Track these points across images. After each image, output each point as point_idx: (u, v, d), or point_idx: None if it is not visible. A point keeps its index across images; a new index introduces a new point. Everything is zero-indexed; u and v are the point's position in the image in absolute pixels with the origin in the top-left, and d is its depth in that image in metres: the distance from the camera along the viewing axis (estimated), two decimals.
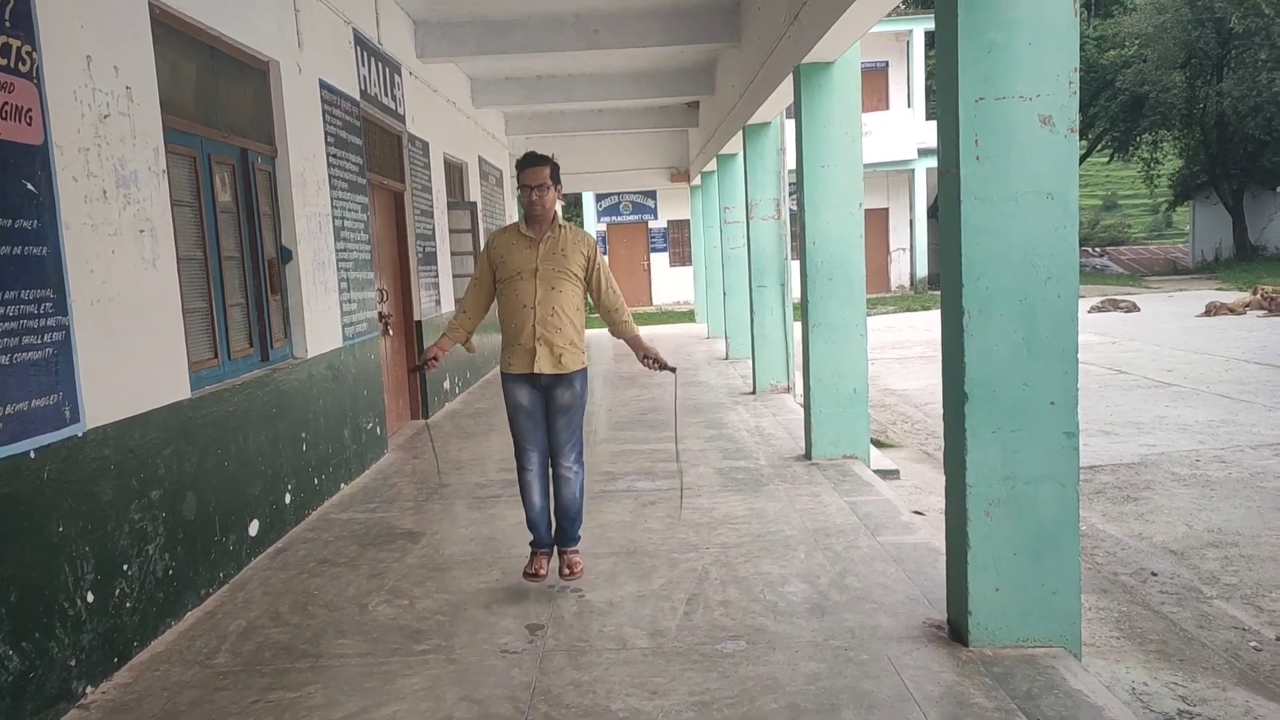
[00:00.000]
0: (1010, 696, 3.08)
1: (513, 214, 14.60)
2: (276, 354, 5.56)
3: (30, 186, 3.23)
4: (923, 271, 25.24)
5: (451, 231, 10.44)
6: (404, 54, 8.56)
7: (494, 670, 3.46)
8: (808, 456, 6.51)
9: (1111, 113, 29.28)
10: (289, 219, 5.73)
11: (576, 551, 4.32)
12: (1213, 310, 16.80)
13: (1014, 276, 3.33)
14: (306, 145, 5.99)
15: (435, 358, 4.17)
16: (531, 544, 4.31)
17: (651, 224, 26.26)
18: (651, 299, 26.26)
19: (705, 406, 9.00)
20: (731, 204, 11.78)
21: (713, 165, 13.06)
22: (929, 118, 24.14)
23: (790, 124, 7.76)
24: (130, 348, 3.81)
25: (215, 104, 4.99)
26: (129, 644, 3.69)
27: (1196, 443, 7.57)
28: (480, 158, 12.37)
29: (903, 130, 24.01)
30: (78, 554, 3.39)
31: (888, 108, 24.56)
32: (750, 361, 9.78)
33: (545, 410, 4.20)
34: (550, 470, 4.27)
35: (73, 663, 3.34)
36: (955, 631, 3.55)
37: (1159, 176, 31.40)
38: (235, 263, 5.18)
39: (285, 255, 5.74)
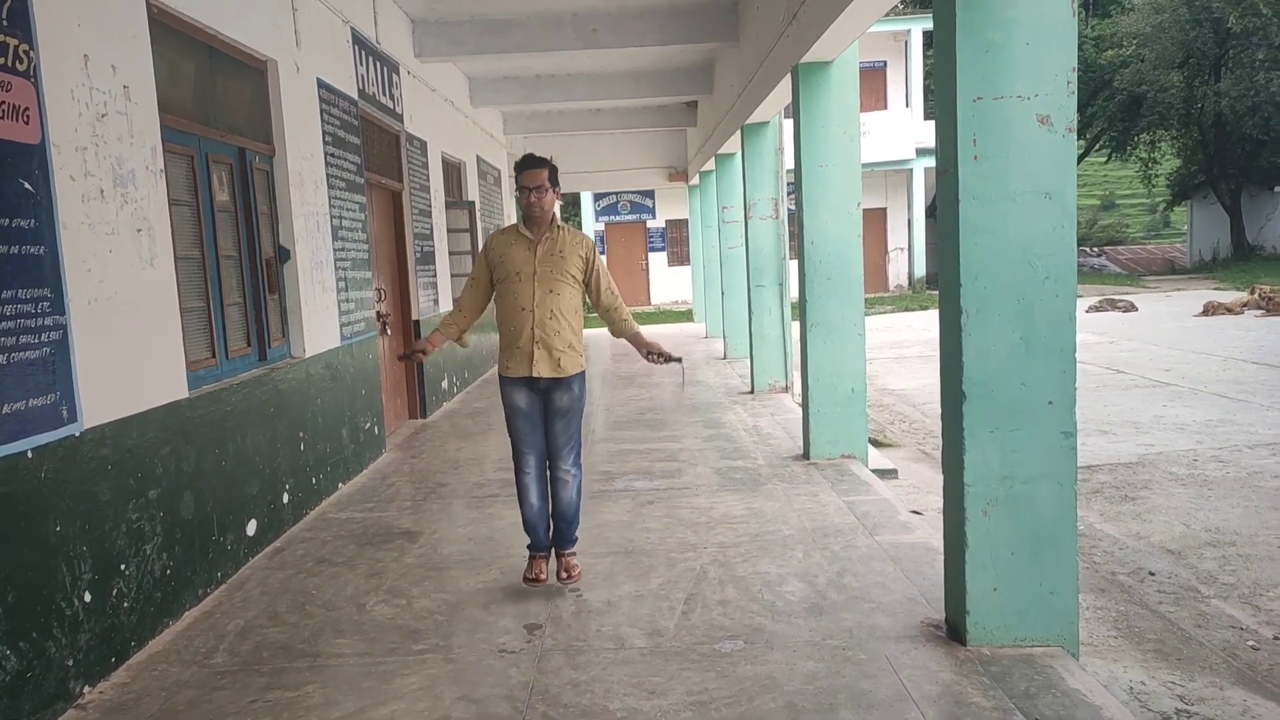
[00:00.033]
0: (1008, 696, 3.09)
1: (511, 213, 14.60)
2: (274, 353, 5.55)
3: (27, 186, 3.22)
4: (921, 271, 25.24)
5: (449, 231, 10.43)
6: (402, 53, 8.56)
7: (492, 670, 3.46)
8: (806, 456, 6.51)
9: (1109, 112, 29.31)
10: (287, 218, 5.72)
11: (574, 554, 4.32)
12: (1210, 310, 16.82)
13: (1012, 276, 3.33)
14: (304, 144, 5.99)
15: (425, 350, 4.24)
16: (529, 547, 4.31)
17: (650, 223, 26.25)
18: (650, 298, 26.25)
19: (703, 406, 9.00)
20: (730, 203, 11.78)
21: (711, 165, 13.06)
22: (927, 117, 24.15)
23: (788, 123, 7.77)
24: (128, 347, 3.81)
25: (213, 103, 4.99)
26: (126, 644, 3.69)
27: (1194, 442, 7.58)
28: (478, 157, 12.37)
29: (901, 130, 24.02)
30: (75, 554, 3.39)
31: (886, 107, 24.56)
32: (748, 361, 9.78)
33: (543, 414, 4.20)
34: (548, 473, 4.28)
35: (70, 663, 3.33)
36: (953, 631, 3.55)
37: (1157, 176, 31.43)
38: (233, 262, 5.17)
39: (283, 254, 5.74)
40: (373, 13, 7.64)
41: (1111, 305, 18.54)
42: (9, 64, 3.15)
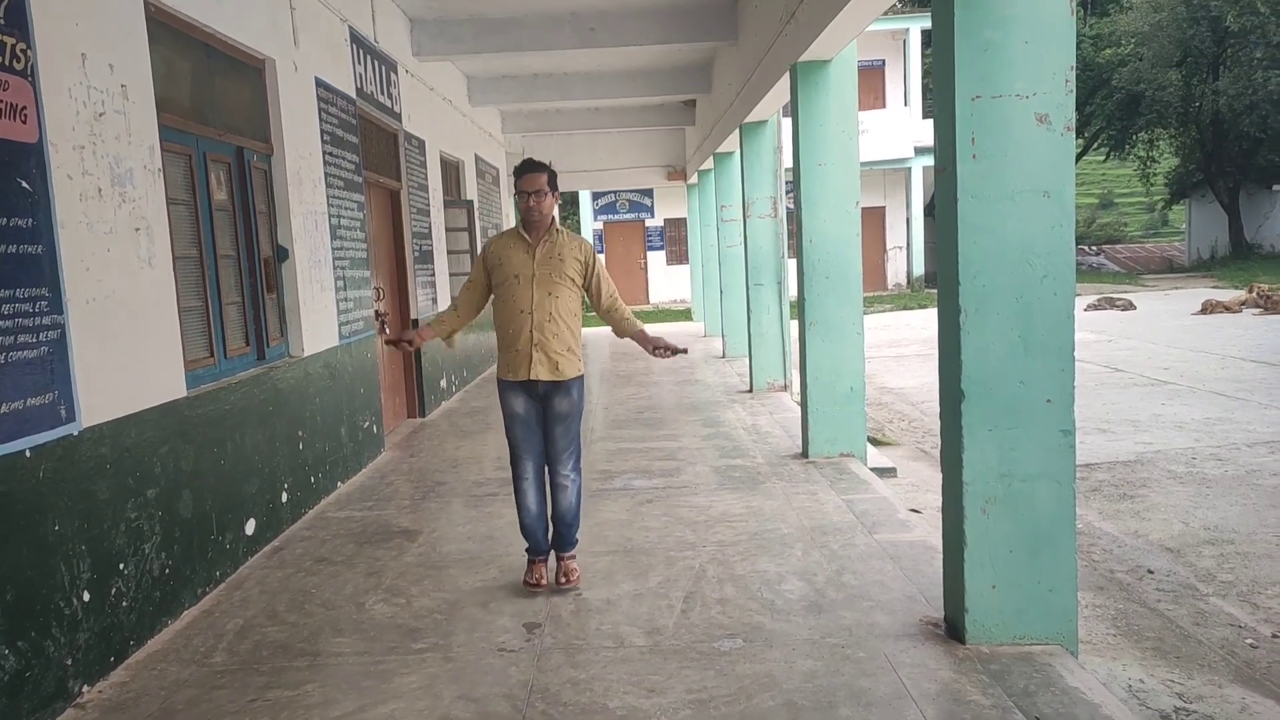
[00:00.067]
0: (1007, 694, 3.09)
1: (509, 213, 14.60)
2: (273, 352, 5.55)
3: (25, 185, 3.22)
4: (919, 270, 25.25)
5: (448, 230, 10.43)
6: (400, 52, 8.55)
7: (491, 669, 3.46)
8: (805, 454, 6.52)
9: (1108, 111, 29.32)
10: (285, 217, 5.72)
11: (574, 558, 4.32)
12: (1209, 308, 16.83)
13: (1010, 275, 3.34)
14: (302, 143, 5.98)
15: (412, 341, 4.25)
16: (528, 551, 4.30)
17: (648, 222, 26.25)
18: (648, 297, 26.25)
19: (702, 405, 9.01)
20: (728, 202, 11.77)
21: (709, 163, 13.06)
22: (926, 116, 24.16)
23: (787, 122, 7.77)
24: (126, 346, 3.81)
25: (211, 102, 4.98)
26: (125, 643, 3.69)
27: (1193, 440, 7.59)
28: (477, 156, 12.36)
29: (899, 128, 24.02)
30: (74, 553, 3.39)
31: (884, 106, 24.56)
32: (747, 360, 9.78)
33: (542, 418, 4.20)
34: (547, 478, 4.28)
35: (69, 662, 3.33)
36: (952, 629, 3.56)
37: (1155, 175, 31.42)
38: (231, 261, 5.17)
39: (281, 254, 5.73)
40: (371, 11, 7.63)
41: (1110, 304, 18.56)
42: (6, 63, 3.14)
